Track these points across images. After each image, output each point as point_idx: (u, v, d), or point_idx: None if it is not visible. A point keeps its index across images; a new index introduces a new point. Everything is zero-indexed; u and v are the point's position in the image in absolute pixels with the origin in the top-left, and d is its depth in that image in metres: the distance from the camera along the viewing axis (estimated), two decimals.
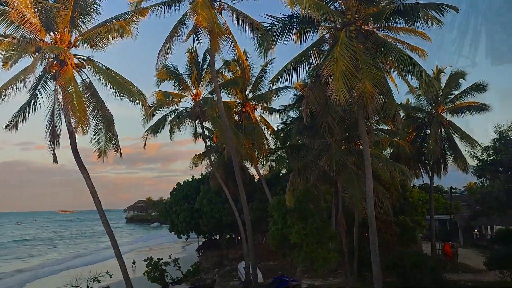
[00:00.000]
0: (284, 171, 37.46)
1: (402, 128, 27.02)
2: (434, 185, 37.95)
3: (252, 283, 25.03)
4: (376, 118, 23.02)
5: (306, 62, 18.70)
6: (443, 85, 31.22)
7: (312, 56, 18.77)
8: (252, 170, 39.57)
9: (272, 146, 34.00)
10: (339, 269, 26.90)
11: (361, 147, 20.26)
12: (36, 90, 20.69)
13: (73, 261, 58.07)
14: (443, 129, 31.65)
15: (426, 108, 32.75)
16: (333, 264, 23.53)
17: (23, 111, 20.63)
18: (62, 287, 29.72)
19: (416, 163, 32.25)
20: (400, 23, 18.14)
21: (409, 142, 30.23)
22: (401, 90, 28.61)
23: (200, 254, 51.18)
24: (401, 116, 24.83)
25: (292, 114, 28.72)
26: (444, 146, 31.70)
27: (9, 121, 20.63)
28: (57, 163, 21.61)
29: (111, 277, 26.67)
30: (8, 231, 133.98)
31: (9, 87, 18.31)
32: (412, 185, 33.88)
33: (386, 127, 25.81)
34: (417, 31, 18.96)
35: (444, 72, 32.43)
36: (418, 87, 24.99)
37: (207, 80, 32.37)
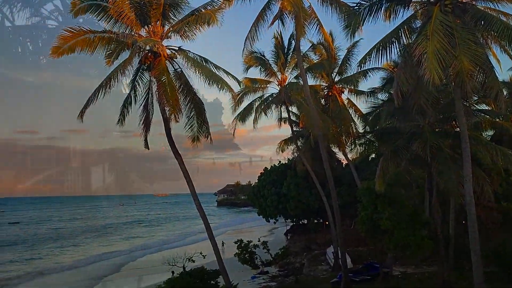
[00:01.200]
0: (373, 155, 36.47)
1: (506, 107, 24.91)
2: None
3: (341, 268, 24.83)
4: (475, 98, 21.50)
5: (396, 41, 17.76)
6: None
7: (403, 35, 17.78)
8: (340, 155, 39.10)
9: (361, 130, 33.18)
10: (433, 257, 25.76)
11: (458, 129, 19.07)
12: (135, 82, 21.96)
13: (169, 242, 61.66)
14: None
15: None
16: (427, 252, 22.61)
17: (126, 103, 21.93)
18: (160, 266, 31.75)
19: None
20: None
21: None
22: (504, 66, 26.35)
23: (288, 238, 51.90)
24: (505, 95, 22.86)
25: (381, 96, 27.69)
26: None
27: (119, 116, 21.77)
28: (148, 149, 22.84)
29: (204, 258, 27.89)
30: (111, 213, 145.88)
31: (111, 80, 19.63)
32: None
33: (486, 107, 23.99)
34: None
35: None
36: None
37: (293, 65, 32.29)
